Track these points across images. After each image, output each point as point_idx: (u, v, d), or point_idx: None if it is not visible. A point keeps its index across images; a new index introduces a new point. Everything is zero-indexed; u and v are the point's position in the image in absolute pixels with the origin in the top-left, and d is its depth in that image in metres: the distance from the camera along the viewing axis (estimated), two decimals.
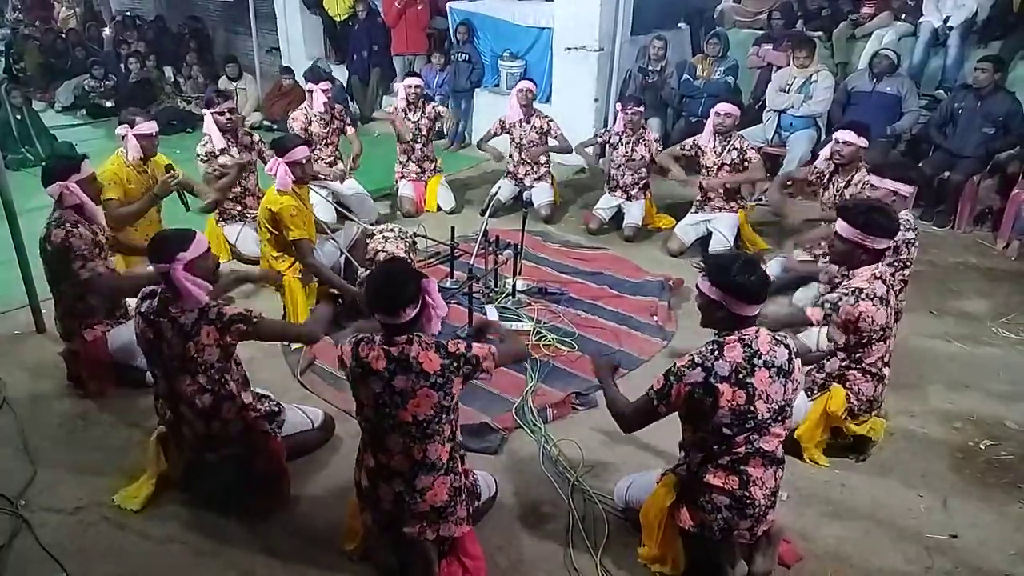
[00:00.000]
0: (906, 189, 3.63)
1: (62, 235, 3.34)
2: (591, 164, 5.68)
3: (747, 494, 2.37)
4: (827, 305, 2.97)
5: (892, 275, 3.55)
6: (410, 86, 5.93)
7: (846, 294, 2.96)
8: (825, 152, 4.47)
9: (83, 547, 2.71)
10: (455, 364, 2.35)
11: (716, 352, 2.32)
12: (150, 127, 4.32)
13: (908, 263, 3.65)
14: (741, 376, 2.30)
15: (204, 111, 4.99)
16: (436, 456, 2.38)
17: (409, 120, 5.96)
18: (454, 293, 4.31)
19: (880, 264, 3.04)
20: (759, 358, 2.32)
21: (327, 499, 2.95)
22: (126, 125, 4.28)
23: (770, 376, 2.33)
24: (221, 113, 4.85)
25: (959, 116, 5.68)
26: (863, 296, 2.93)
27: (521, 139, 5.93)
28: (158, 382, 2.85)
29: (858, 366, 3.10)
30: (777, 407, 2.36)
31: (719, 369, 2.29)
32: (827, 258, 3.46)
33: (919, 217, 5.85)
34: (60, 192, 3.38)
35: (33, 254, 3.99)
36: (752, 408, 2.31)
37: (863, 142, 4.27)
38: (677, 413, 2.46)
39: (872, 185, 3.68)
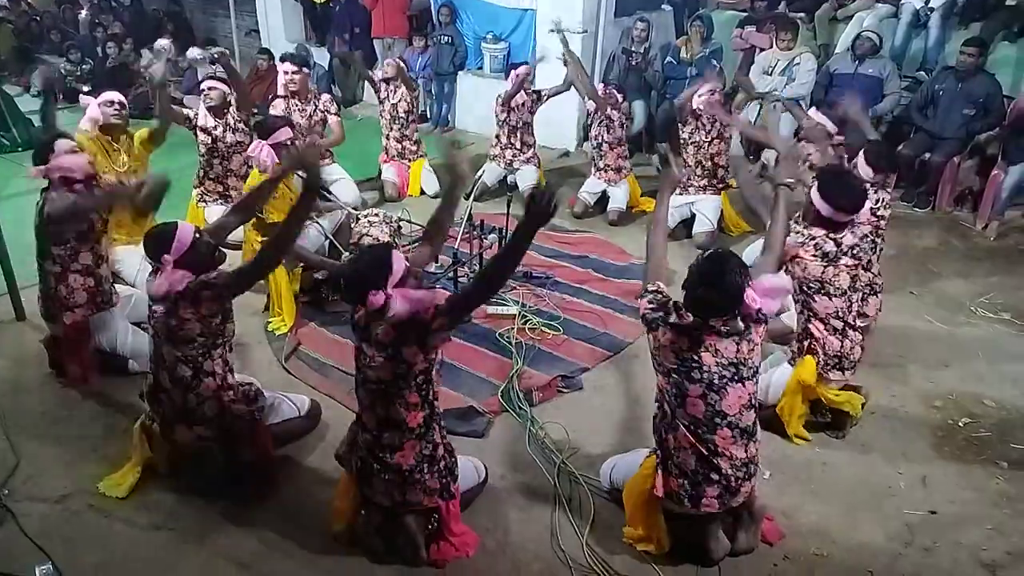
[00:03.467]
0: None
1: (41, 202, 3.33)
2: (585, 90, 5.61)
3: (713, 462, 2.41)
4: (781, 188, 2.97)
5: (865, 237, 3.55)
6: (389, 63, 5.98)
7: (800, 232, 3.11)
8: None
9: (69, 536, 2.70)
10: (403, 335, 2.36)
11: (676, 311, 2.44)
12: (111, 95, 4.29)
13: (881, 224, 3.77)
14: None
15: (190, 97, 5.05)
16: (401, 418, 2.42)
17: (389, 100, 5.92)
18: (439, 278, 4.31)
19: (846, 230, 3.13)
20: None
21: (314, 486, 2.95)
22: (91, 96, 4.34)
23: (717, 335, 2.38)
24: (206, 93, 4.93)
25: (940, 98, 5.71)
26: (809, 243, 3.06)
27: (521, 105, 5.89)
28: (151, 342, 2.85)
29: (816, 317, 3.14)
30: (728, 363, 2.38)
31: (672, 319, 2.41)
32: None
33: (900, 199, 5.91)
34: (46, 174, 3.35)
35: (11, 241, 3.95)
36: (696, 357, 2.35)
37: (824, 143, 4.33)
38: (653, 365, 2.52)
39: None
